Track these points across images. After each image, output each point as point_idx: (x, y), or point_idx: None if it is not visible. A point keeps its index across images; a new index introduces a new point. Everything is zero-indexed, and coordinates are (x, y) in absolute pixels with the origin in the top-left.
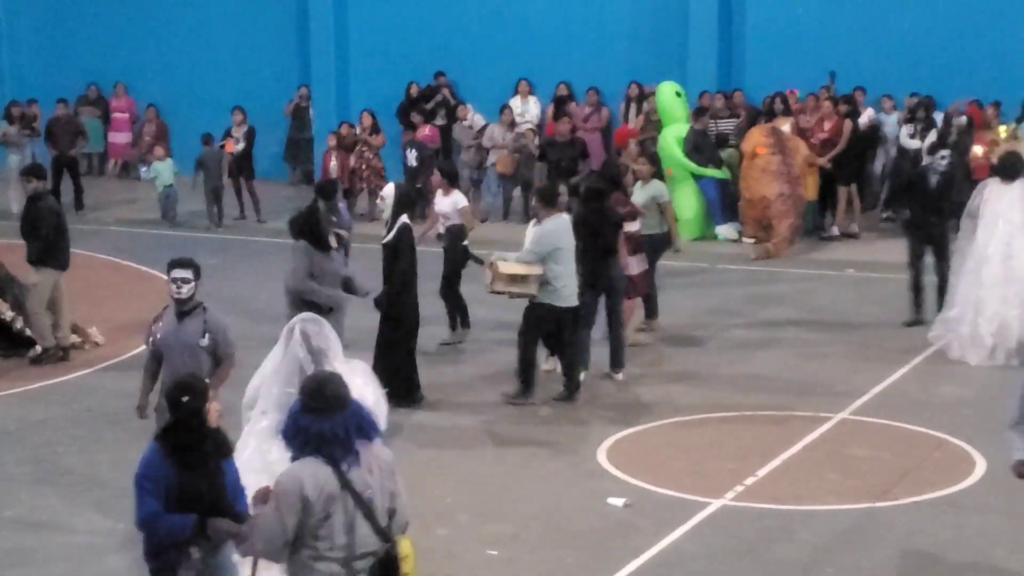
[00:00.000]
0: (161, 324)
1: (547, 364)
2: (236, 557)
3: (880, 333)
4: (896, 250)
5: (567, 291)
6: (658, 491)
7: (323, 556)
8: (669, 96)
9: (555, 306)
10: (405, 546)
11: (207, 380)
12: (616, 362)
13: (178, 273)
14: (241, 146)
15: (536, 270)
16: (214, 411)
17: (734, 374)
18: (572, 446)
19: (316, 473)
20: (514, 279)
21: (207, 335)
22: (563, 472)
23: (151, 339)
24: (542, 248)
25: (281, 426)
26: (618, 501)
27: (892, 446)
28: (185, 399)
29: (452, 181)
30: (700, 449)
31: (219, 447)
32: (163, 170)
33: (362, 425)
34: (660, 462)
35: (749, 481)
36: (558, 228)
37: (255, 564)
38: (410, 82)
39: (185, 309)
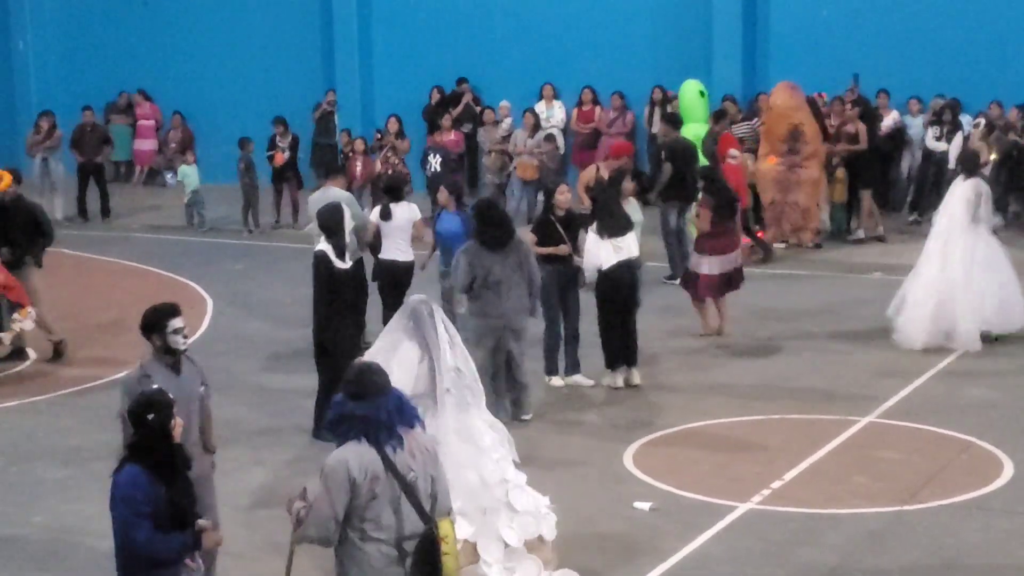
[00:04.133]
0: (155, 385)
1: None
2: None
3: None
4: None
5: None
6: (684, 495)
7: (370, 537)
8: (693, 94)
9: None
10: (445, 526)
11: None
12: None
13: (178, 323)
14: (287, 155)
15: None
16: (179, 426)
17: (760, 377)
18: (598, 450)
19: (361, 455)
20: None
21: (203, 382)
22: (589, 476)
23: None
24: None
25: (328, 416)
26: (644, 505)
27: (920, 449)
28: (151, 416)
29: (389, 193)
30: (726, 453)
31: (184, 461)
32: (191, 174)
33: (403, 410)
34: (686, 466)
35: (776, 485)
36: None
37: (290, 559)
38: (433, 86)
39: (176, 360)
